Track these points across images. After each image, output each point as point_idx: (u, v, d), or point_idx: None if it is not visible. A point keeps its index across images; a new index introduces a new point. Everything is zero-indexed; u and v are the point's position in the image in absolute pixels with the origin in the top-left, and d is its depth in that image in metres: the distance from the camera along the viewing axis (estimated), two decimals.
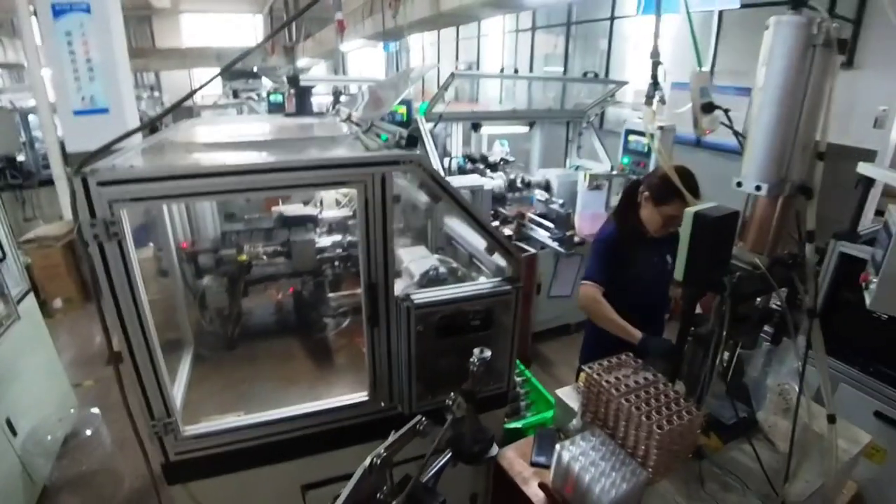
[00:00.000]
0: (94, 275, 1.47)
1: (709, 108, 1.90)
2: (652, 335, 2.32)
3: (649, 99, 1.97)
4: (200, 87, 1.58)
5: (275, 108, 6.30)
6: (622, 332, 2.33)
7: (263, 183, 1.41)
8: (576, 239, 4.09)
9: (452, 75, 3.63)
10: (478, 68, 11.72)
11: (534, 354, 4.46)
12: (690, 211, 1.56)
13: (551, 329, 4.60)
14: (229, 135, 2.21)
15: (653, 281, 2.45)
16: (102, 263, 1.44)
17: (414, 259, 2.07)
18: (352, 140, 1.92)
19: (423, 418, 1.37)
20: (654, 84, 2.02)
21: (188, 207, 2.54)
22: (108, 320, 1.54)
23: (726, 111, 1.93)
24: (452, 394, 1.46)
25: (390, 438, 1.31)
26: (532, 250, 3.99)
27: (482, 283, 1.80)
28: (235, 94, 7.80)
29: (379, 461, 1.26)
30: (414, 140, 1.54)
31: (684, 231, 1.57)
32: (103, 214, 1.38)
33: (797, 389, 1.75)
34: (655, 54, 2.02)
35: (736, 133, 1.88)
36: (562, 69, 8.91)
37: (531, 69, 9.95)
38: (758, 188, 1.64)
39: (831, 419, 1.74)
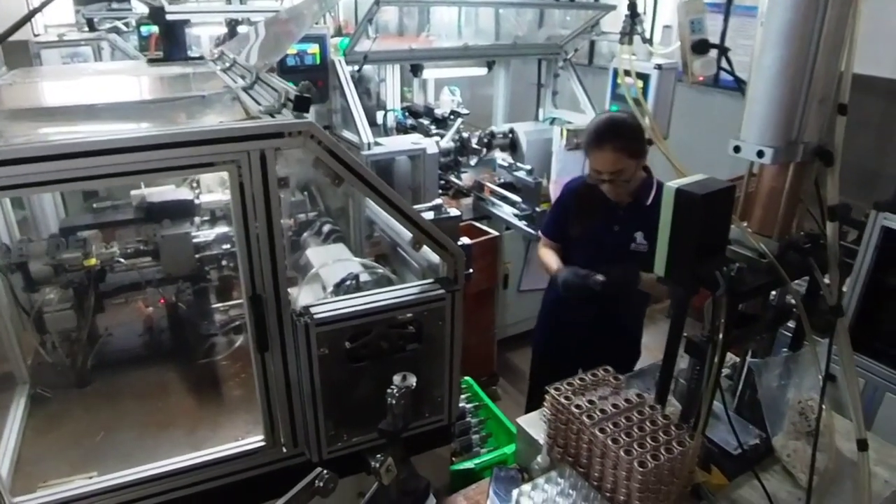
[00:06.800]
0: None
1: (702, 47, 1.93)
2: (606, 329, 2.71)
3: (625, 36, 2.00)
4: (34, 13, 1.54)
5: (149, 45, 6.09)
6: (548, 270, 2.66)
7: (87, 171, 1.38)
8: None
9: (377, 3, 3.59)
10: None
11: (502, 368, 4.53)
12: (672, 186, 1.60)
13: (525, 333, 4.66)
14: (63, 94, 2.16)
15: (601, 256, 2.62)
16: None
17: (328, 263, 2.06)
18: (229, 100, 1.89)
19: (324, 471, 1.39)
20: (633, 15, 2.06)
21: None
22: None
23: (725, 51, 1.98)
24: (380, 455, 1.47)
25: (280, 501, 1.32)
26: (494, 232, 4.02)
27: (407, 288, 1.81)
28: (91, 26, 7.45)
29: None
30: (304, 102, 1.53)
31: (664, 213, 1.61)
32: None
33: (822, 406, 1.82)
34: None
35: (738, 80, 1.93)
36: None
37: None
38: (760, 154, 1.68)
39: (862, 445, 1.80)
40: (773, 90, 1.65)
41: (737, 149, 1.72)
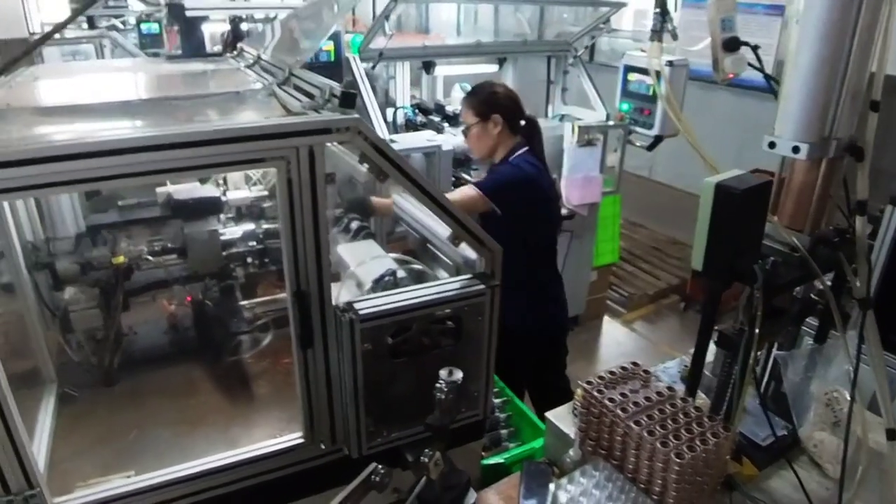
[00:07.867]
0: None
1: (733, 44, 1.95)
2: None
3: (655, 34, 2.02)
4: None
5: (149, 42, 6.04)
6: None
7: (131, 168, 1.38)
8: (562, 211, 4.15)
9: None
10: None
11: None
12: (711, 182, 1.62)
13: None
14: (85, 92, 2.15)
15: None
16: None
17: (363, 261, 2.07)
18: (264, 96, 1.90)
19: (379, 466, 1.40)
20: (663, 13, 2.07)
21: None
22: None
23: (755, 48, 2.00)
24: (428, 450, 1.48)
25: (337, 499, 1.34)
26: None
27: (447, 284, 1.82)
28: (92, 23, 7.41)
29: None
30: (351, 98, 1.54)
31: (703, 209, 1.63)
32: None
33: (848, 397, 1.85)
34: None
35: (768, 77, 1.95)
36: None
37: None
38: (796, 150, 1.71)
39: (891, 434, 1.83)
40: (808, 87, 1.69)
41: (772, 144, 1.75)
